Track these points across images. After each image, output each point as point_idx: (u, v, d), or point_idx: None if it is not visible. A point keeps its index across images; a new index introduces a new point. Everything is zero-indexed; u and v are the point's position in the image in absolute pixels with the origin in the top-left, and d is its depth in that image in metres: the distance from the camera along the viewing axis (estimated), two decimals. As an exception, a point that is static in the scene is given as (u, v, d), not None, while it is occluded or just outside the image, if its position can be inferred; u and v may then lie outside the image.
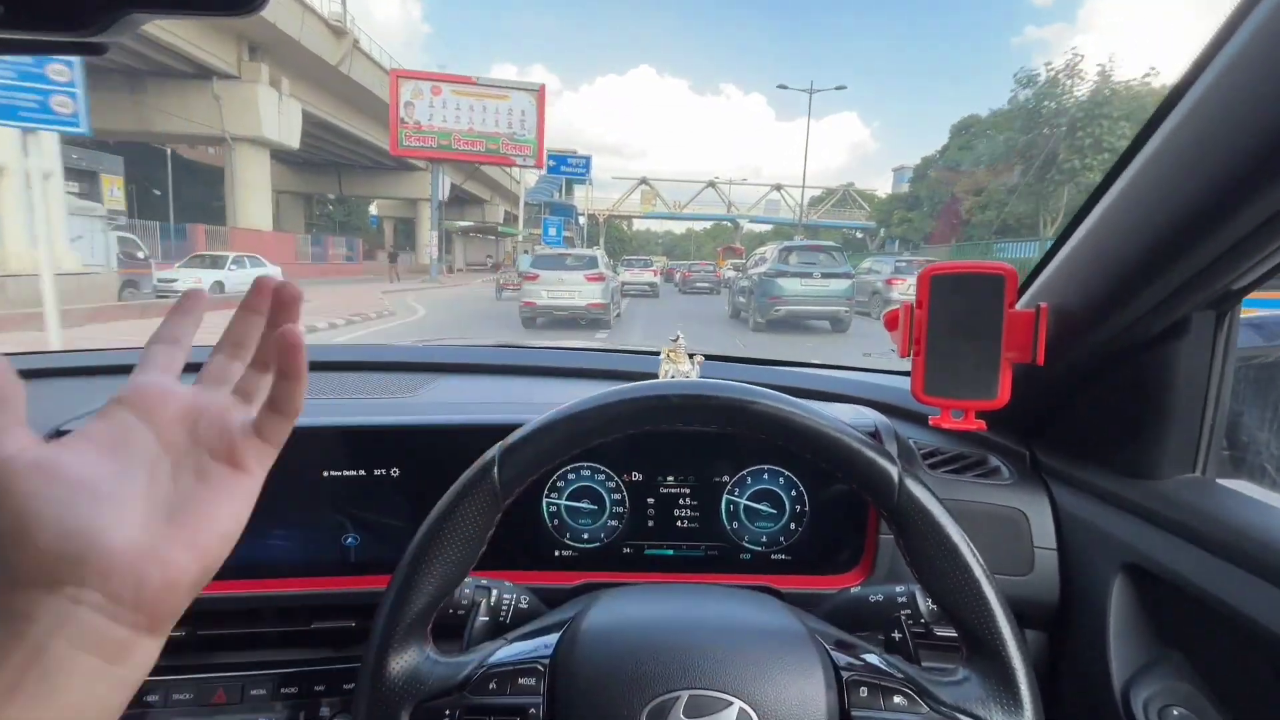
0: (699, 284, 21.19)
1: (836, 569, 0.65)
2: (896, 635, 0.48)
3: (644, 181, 53.84)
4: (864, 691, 0.38)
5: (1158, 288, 0.47)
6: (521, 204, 33.63)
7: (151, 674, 0.59)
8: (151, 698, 0.60)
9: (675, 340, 0.71)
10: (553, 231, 27.38)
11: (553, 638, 0.41)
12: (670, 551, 0.66)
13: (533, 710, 0.37)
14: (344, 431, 0.62)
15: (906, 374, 0.91)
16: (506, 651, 0.41)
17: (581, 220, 44.33)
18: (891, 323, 0.65)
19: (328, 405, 0.68)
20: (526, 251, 16.89)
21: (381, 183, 31.57)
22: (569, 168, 35.12)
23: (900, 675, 0.39)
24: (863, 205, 48.83)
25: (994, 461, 0.68)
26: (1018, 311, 0.56)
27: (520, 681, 0.38)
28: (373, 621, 0.40)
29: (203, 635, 0.61)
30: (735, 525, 0.66)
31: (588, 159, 36.23)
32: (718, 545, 0.66)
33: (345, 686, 0.61)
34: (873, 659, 0.40)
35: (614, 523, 0.65)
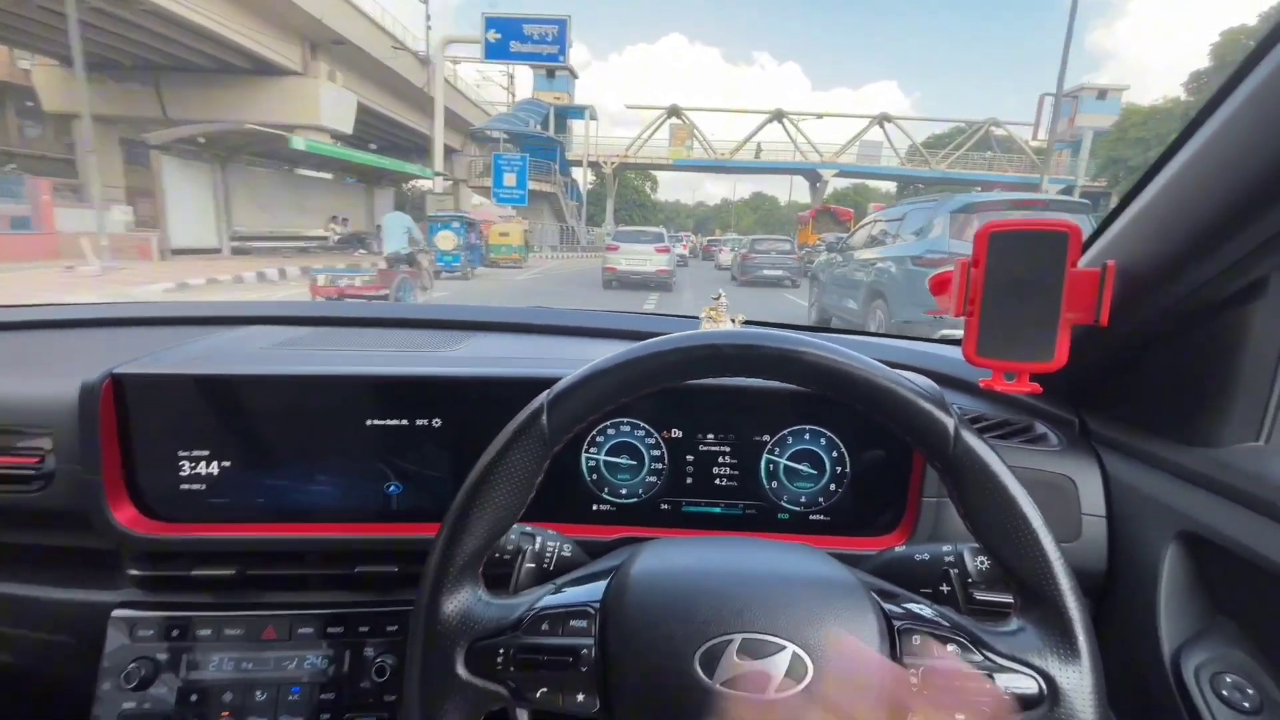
0: (768, 270, 14.41)
1: (876, 531, 0.66)
2: (945, 589, 0.49)
3: (675, 113, 37.20)
4: (916, 640, 0.38)
5: (1235, 245, 0.46)
6: (438, 121, 18.93)
7: (203, 610, 0.66)
8: (203, 632, 0.65)
9: (716, 299, 0.73)
10: (509, 179, 19.23)
11: (601, 584, 0.43)
12: (708, 509, 0.68)
13: (585, 651, 0.39)
14: (388, 381, 0.65)
15: (950, 342, 0.91)
16: (556, 596, 0.43)
17: (576, 173, 35.33)
18: (939, 286, 0.65)
19: (371, 356, 0.71)
20: (436, 220, 13.42)
21: (229, 96, 17.89)
22: (530, 45, 19.15)
23: (951, 624, 0.39)
24: (1023, 149, 35.61)
25: (1040, 428, 0.68)
26: (1081, 270, 0.55)
27: (572, 624, 0.40)
28: (425, 563, 0.43)
29: (250, 574, 0.67)
30: (774, 485, 0.67)
31: (562, 23, 19.49)
32: (756, 504, 0.68)
33: (389, 629, 0.66)
34: (923, 609, 0.41)
35: (652, 479, 0.67)
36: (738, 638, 0.37)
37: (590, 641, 0.40)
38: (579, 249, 30.60)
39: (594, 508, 0.68)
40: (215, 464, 0.66)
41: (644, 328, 0.85)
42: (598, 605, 0.41)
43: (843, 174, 40.86)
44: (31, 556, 0.71)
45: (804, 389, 0.58)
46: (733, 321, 0.73)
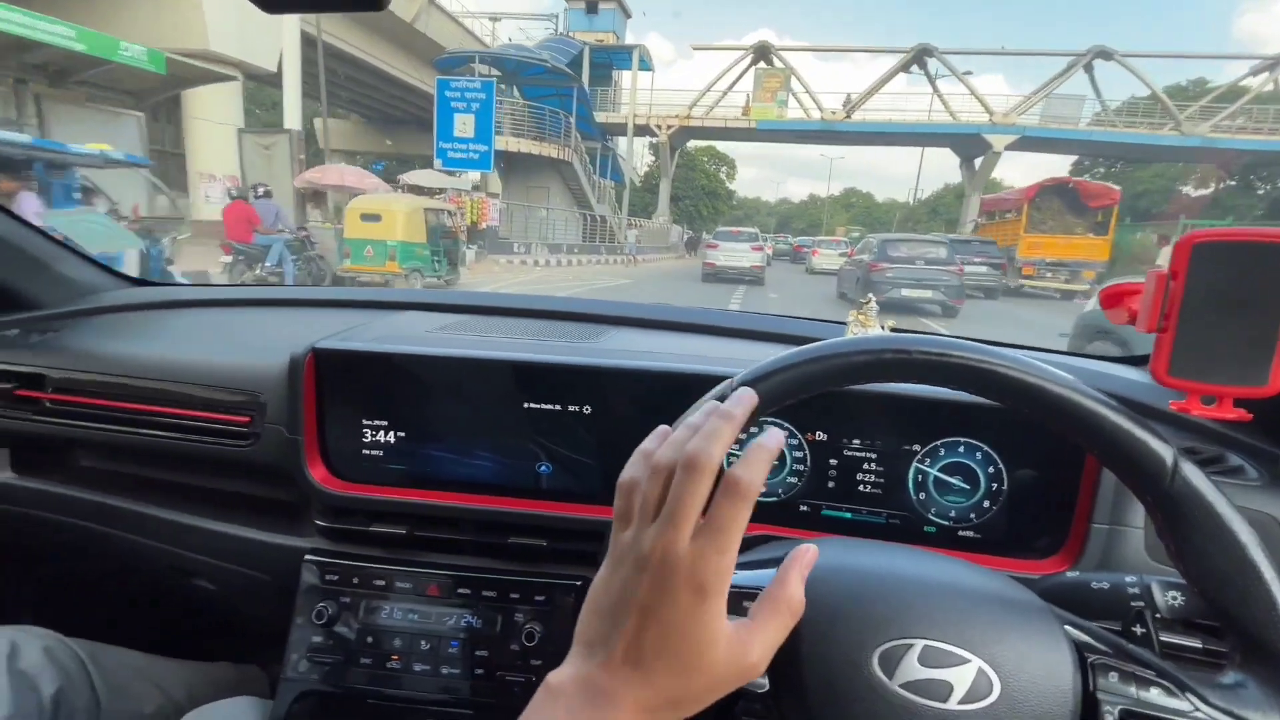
0: (911, 289, 9.47)
1: (1033, 554, 0.64)
2: (1138, 630, 0.45)
3: (762, 54, 26.35)
4: (1113, 677, 0.37)
5: None
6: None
7: (379, 563, 0.75)
8: (378, 582, 0.74)
9: (865, 303, 0.73)
10: (461, 126, 11.79)
11: (769, 571, 0.45)
12: (849, 514, 0.68)
13: None
14: (546, 367, 0.71)
15: (1123, 360, 0.85)
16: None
17: (622, 145, 27.76)
18: (1114, 298, 0.61)
19: (527, 344, 0.78)
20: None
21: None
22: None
23: (1155, 667, 0.37)
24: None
25: (1235, 460, 0.63)
26: None
27: (744, 605, 0.41)
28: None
29: (417, 535, 0.75)
30: (922, 496, 0.67)
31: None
32: (900, 514, 0.67)
33: (537, 599, 0.72)
34: (1117, 645, 0.39)
35: (793, 479, 0.69)
36: (919, 643, 0.37)
37: None
38: (613, 252, 20.98)
39: None
40: (392, 434, 0.75)
41: (782, 329, 0.86)
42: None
43: (1023, 142, 25.82)
44: (240, 504, 0.84)
45: (963, 400, 0.56)
46: (882, 327, 0.73)
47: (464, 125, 13.78)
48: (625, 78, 27.50)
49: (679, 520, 0.33)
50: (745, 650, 0.34)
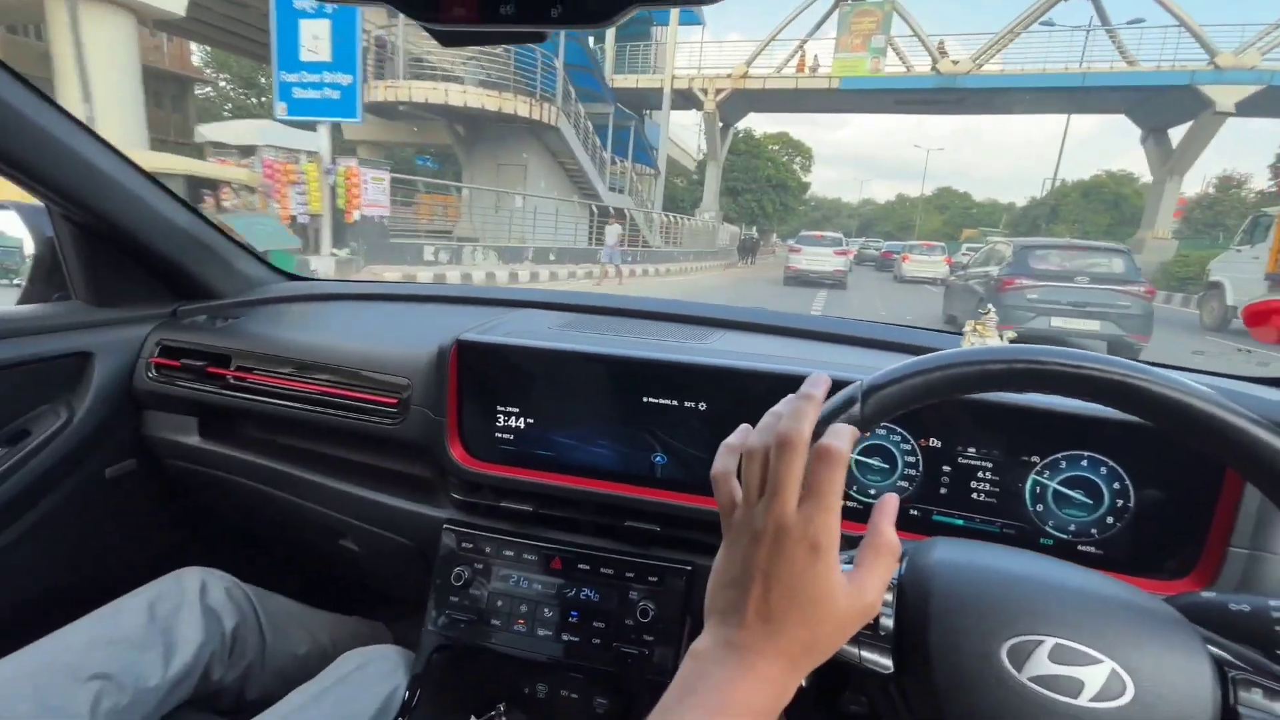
0: (1078, 318, 6.55)
1: (1161, 574, 0.63)
2: None
3: None
4: (1257, 694, 0.36)
5: None
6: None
7: (509, 535, 0.85)
8: (508, 553, 0.84)
9: (986, 312, 0.74)
10: (309, 44, 7.51)
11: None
12: (960, 521, 0.70)
13: (883, 618, 0.44)
14: (665, 365, 0.77)
15: (1261, 381, 0.81)
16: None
17: (651, 119, 21.55)
18: (1259, 316, 0.60)
19: (645, 343, 0.85)
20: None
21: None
22: None
23: None
24: None
25: None
26: None
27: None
28: None
29: (541, 514, 0.84)
30: (1039, 508, 0.67)
31: None
32: (1015, 525, 0.68)
33: (650, 579, 0.78)
34: (1261, 663, 0.39)
35: (904, 484, 0.71)
36: (1050, 640, 0.39)
37: (889, 610, 0.44)
38: (640, 260, 15.99)
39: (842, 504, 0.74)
40: (522, 420, 0.84)
41: (888, 337, 0.88)
42: (897, 580, 0.46)
43: (1268, 95, 16.70)
44: (384, 475, 0.96)
45: (1087, 413, 0.57)
46: (1000, 337, 0.74)
47: (313, 42, 7.98)
48: (667, 34, 19.49)
49: (784, 491, 0.38)
50: (861, 593, 0.39)
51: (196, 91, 28.86)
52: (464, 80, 14.71)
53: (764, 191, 33.42)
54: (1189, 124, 18.83)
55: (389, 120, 17.84)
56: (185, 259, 1.08)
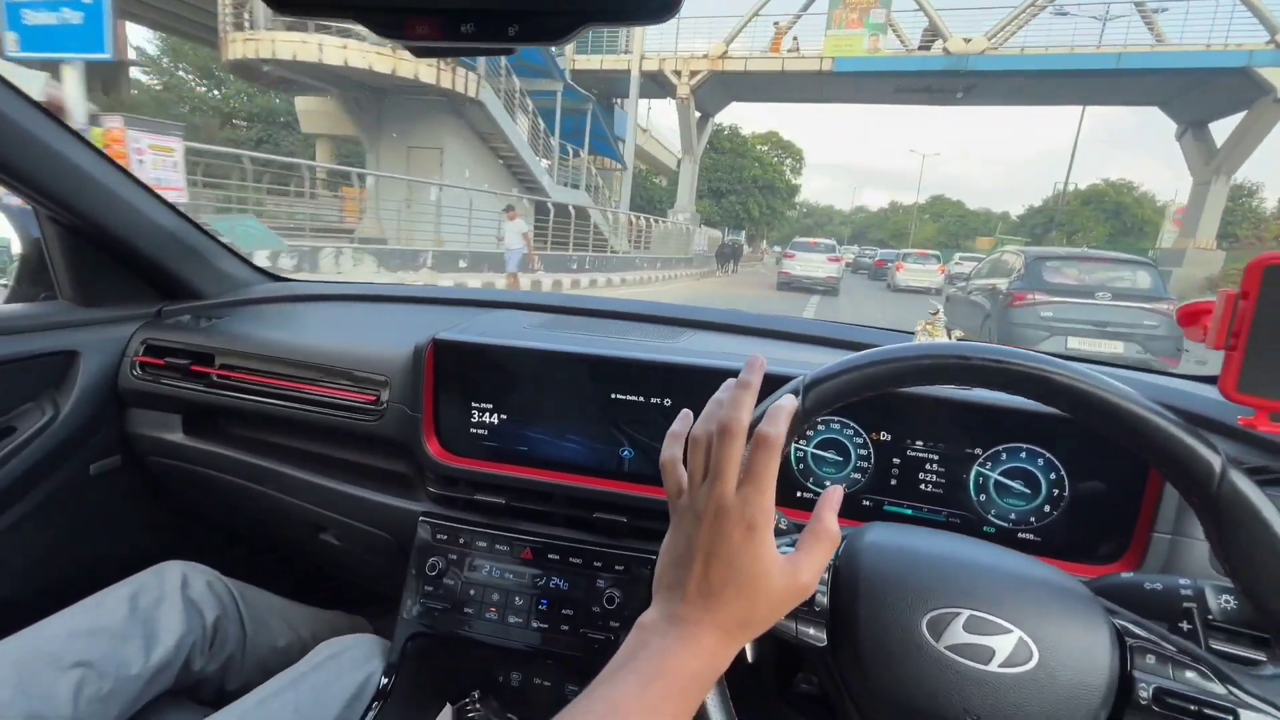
0: (1116, 344, 5.61)
1: (1093, 560, 0.68)
2: (1185, 626, 0.48)
3: None
4: (1150, 658, 0.40)
5: None
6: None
7: (483, 527, 0.88)
8: (481, 544, 0.87)
9: (935, 313, 0.78)
10: (43, 12, 5.34)
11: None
12: (909, 511, 0.74)
13: (819, 595, 0.48)
14: (633, 363, 0.81)
15: (1195, 379, 0.86)
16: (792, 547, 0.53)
17: (625, 112, 19.15)
18: (1190, 317, 0.64)
19: (616, 342, 0.89)
20: None
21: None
22: None
23: (1191, 654, 0.40)
24: None
25: None
26: None
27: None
28: None
29: (514, 506, 0.87)
30: (982, 498, 0.72)
31: None
32: (960, 514, 0.72)
33: (617, 568, 0.82)
34: (1159, 632, 0.42)
35: (856, 475, 0.76)
36: (966, 612, 0.43)
37: (824, 589, 0.48)
38: (589, 267, 13.57)
39: (798, 494, 0.78)
40: (495, 416, 0.87)
41: (853, 337, 0.93)
42: (832, 563, 0.50)
43: None
44: (364, 471, 1.00)
45: (1026, 408, 0.61)
46: (948, 335, 0.78)
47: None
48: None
49: (725, 475, 0.42)
50: (797, 573, 0.42)
51: (149, 80, 26.96)
52: (348, 35, 10.63)
53: (750, 193, 31.23)
54: (1240, 115, 16.41)
55: (283, 92, 13.02)
56: (169, 260, 1.12)
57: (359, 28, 0.40)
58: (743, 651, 0.57)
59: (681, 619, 0.42)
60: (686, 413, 0.49)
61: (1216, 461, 0.39)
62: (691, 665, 0.40)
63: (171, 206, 1.10)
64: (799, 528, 0.65)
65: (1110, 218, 38.29)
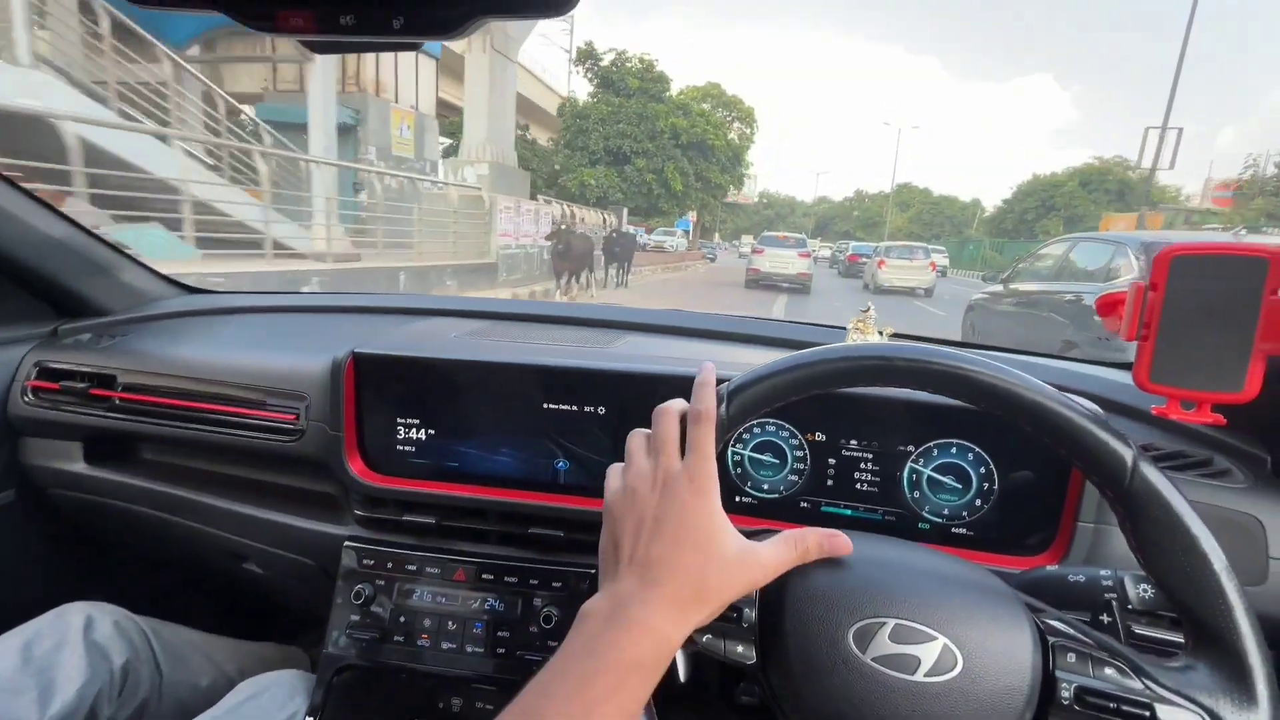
0: None
1: (1023, 551, 0.70)
2: (1105, 619, 0.50)
3: None
4: (1071, 657, 0.41)
5: None
6: None
7: (411, 550, 0.87)
8: (410, 567, 0.85)
9: (865, 311, 0.80)
10: None
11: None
12: (847, 511, 0.75)
13: (747, 610, 0.47)
14: (564, 371, 0.80)
15: (1115, 365, 0.90)
16: None
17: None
18: (1108, 307, 0.67)
19: (548, 349, 0.88)
20: None
21: None
22: None
23: (1110, 649, 0.41)
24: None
25: (1223, 462, 0.68)
26: None
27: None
28: None
29: (445, 525, 0.86)
30: (916, 495, 0.73)
31: None
32: (895, 511, 0.74)
33: (554, 585, 0.81)
34: (1079, 630, 0.44)
35: (794, 477, 0.77)
36: (891, 622, 0.43)
37: (753, 605, 0.48)
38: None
39: (736, 499, 0.78)
40: (423, 431, 0.85)
41: (788, 335, 0.94)
42: None
43: None
44: (287, 494, 0.97)
45: (956, 404, 0.63)
46: (880, 334, 0.80)
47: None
48: None
49: (667, 448, 0.45)
50: (756, 554, 0.44)
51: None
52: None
53: (669, 156, 21.44)
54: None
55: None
56: (62, 274, 1.06)
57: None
58: (677, 676, 0.57)
59: (626, 597, 0.42)
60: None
61: (1128, 455, 0.41)
62: (633, 653, 0.40)
63: (64, 216, 1.05)
64: (746, 535, 0.66)
65: (1114, 199, 34.78)
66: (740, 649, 0.47)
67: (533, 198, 16.66)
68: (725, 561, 0.43)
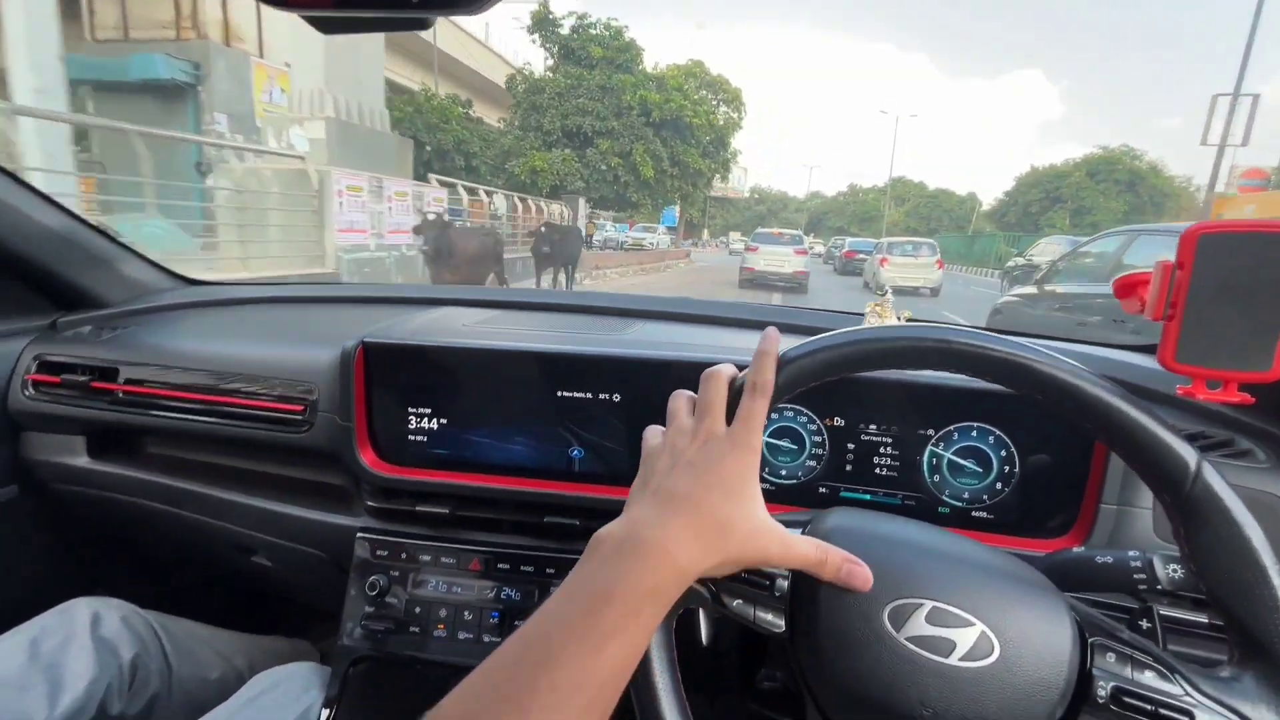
0: None
1: (1044, 534, 0.70)
2: (1145, 624, 0.49)
3: None
4: (1110, 656, 0.41)
5: None
6: None
7: (425, 540, 0.86)
8: (425, 558, 0.85)
9: (884, 295, 0.80)
10: None
11: (796, 530, 0.49)
12: (866, 495, 0.75)
13: (780, 580, 0.47)
14: (578, 358, 0.80)
15: (1133, 348, 0.90)
16: None
17: None
18: (1127, 288, 0.67)
19: (560, 336, 0.87)
20: None
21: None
22: None
23: (1152, 654, 0.41)
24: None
25: (1245, 443, 0.68)
26: None
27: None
28: None
29: (459, 515, 0.85)
30: (936, 479, 0.73)
31: None
32: (915, 496, 0.74)
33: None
34: (1121, 631, 0.43)
35: (812, 463, 0.76)
36: (928, 604, 0.43)
37: (786, 575, 0.47)
38: None
39: None
40: (435, 420, 0.85)
41: (805, 322, 0.94)
42: None
43: None
44: (296, 486, 0.96)
45: (977, 387, 0.63)
46: (898, 318, 0.80)
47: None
48: None
49: (714, 411, 0.44)
50: (782, 532, 0.43)
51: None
52: None
53: (639, 136, 18.41)
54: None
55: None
56: (61, 266, 1.05)
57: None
58: (699, 638, 0.56)
59: (642, 523, 0.40)
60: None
61: (1193, 460, 0.39)
62: (648, 580, 0.38)
63: (62, 208, 1.04)
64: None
65: (1125, 190, 33.79)
66: (770, 616, 0.47)
67: (422, 178, 12.65)
68: (753, 517, 0.42)
